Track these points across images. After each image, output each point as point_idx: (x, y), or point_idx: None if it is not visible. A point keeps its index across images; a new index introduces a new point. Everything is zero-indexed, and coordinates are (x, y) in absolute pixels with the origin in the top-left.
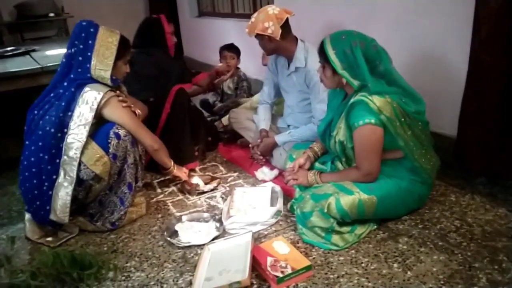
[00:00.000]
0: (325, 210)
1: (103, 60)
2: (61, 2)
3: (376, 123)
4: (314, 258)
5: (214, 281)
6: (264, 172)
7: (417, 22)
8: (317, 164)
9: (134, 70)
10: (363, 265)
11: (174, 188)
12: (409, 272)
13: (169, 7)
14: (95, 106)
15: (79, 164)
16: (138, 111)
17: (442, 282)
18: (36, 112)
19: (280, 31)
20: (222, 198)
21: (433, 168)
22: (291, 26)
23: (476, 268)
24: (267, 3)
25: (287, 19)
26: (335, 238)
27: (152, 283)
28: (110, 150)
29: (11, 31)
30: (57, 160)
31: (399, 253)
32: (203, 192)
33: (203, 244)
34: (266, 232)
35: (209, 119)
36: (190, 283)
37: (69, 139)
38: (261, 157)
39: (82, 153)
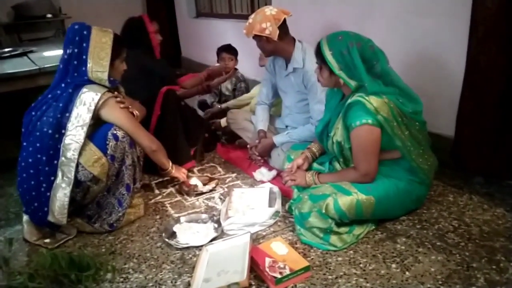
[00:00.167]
0: (323, 211)
1: (98, 61)
2: (58, 3)
3: (373, 123)
4: (312, 258)
5: (212, 282)
6: (262, 173)
7: (414, 22)
8: (315, 165)
9: None
10: (361, 265)
11: (172, 189)
12: (407, 273)
13: (167, 7)
14: (92, 107)
15: (77, 165)
16: (136, 112)
17: (440, 282)
18: (33, 113)
19: (278, 31)
20: (220, 199)
21: (431, 168)
22: (289, 27)
23: (474, 268)
24: (264, 4)
25: (284, 19)
26: (333, 238)
27: (150, 284)
28: (108, 152)
29: (8, 32)
30: (55, 162)
31: (397, 254)
32: (201, 193)
33: (202, 245)
34: (264, 233)
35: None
36: (189, 284)
37: (66, 140)
38: (259, 158)
39: (80, 154)
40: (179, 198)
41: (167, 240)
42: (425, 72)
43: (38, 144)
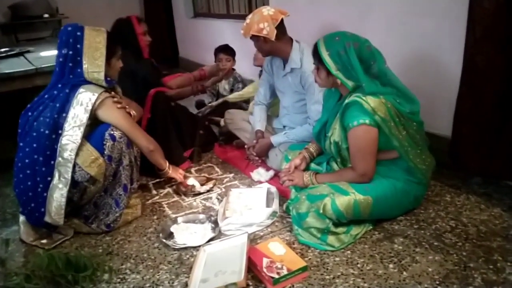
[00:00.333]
0: (321, 211)
1: (94, 62)
2: (55, 3)
3: (371, 123)
4: (310, 259)
5: (210, 282)
6: (260, 173)
7: (412, 23)
8: (312, 165)
9: None
10: (358, 265)
11: (169, 189)
12: (404, 273)
13: (164, 7)
14: (89, 108)
15: (74, 166)
16: (133, 112)
17: (437, 282)
18: (30, 114)
19: (275, 31)
20: (218, 199)
21: (428, 168)
22: (287, 27)
23: (471, 268)
24: (262, 4)
25: (282, 20)
26: (330, 238)
27: (147, 285)
28: (105, 152)
29: (5, 32)
30: (52, 162)
31: (395, 254)
32: (199, 194)
33: (199, 246)
34: (262, 233)
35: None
36: (186, 284)
37: (63, 140)
38: (257, 158)
39: (77, 154)
40: (176, 198)
41: (164, 240)
42: (423, 72)
43: (34, 145)
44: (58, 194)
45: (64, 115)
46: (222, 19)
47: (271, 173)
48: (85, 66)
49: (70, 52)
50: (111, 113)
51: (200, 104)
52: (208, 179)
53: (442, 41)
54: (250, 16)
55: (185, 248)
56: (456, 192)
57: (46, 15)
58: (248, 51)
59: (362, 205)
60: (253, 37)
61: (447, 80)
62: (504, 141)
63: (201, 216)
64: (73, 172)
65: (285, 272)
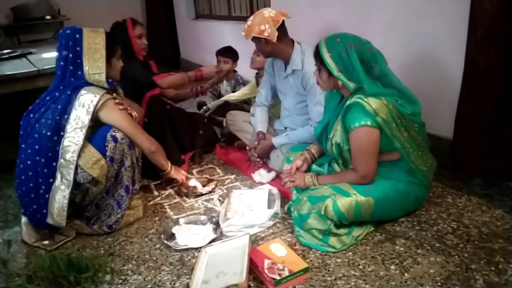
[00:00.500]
0: (322, 212)
1: (94, 63)
2: (57, 5)
3: (372, 125)
4: (311, 260)
5: (211, 284)
6: (261, 175)
7: (412, 24)
8: (314, 166)
9: None
10: (360, 267)
11: (171, 190)
12: (406, 274)
13: (166, 9)
14: (91, 109)
15: (76, 167)
16: (134, 113)
17: (439, 284)
18: (31, 115)
19: (277, 33)
20: (219, 200)
21: (430, 170)
22: (288, 29)
23: (473, 269)
24: (263, 6)
25: (283, 21)
26: (332, 240)
27: (149, 286)
28: (107, 153)
29: (7, 33)
30: (54, 164)
31: (396, 255)
32: (201, 195)
33: (200, 247)
34: (263, 235)
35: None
36: (187, 286)
37: (65, 142)
38: (258, 159)
39: (79, 156)
40: (178, 199)
41: (166, 241)
42: (424, 73)
43: (36, 146)
44: (60, 196)
45: (66, 117)
46: (223, 20)
47: (273, 174)
48: (85, 68)
49: (70, 55)
50: (112, 115)
51: (201, 105)
52: (210, 180)
53: (443, 42)
54: (251, 18)
55: (187, 249)
56: (457, 194)
57: (48, 17)
58: (249, 53)
59: (364, 206)
60: (255, 39)
61: (448, 82)
62: (505, 142)
63: (203, 217)
64: (75, 173)
65: (286, 273)
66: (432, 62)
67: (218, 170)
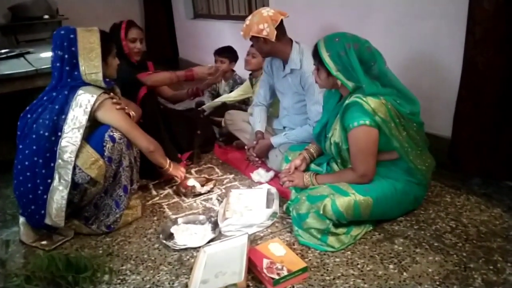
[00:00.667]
0: (321, 212)
1: (90, 63)
2: (55, 4)
3: (371, 124)
4: (310, 259)
5: (210, 283)
6: (260, 174)
7: (411, 24)
8: (312, 166)
9: None
10: (359, 266)
11: (169, 190)
12: (404, 273)
13: (164, 9)
14: (88, 109)
15: (74, 167)
16: (132, 113)
17: (437, 283)
18: (29, 116)
19: (276, 32)
20: (218, 200)
21: (428, 169)
22: (286, 28)
23: (472, 268)
24: (262, 5)
25: (281, 20)
26: (331, 239)
27: (147, 286)
28: (105, 153)
29: (5, 33)
30: (52, 164)
31: (395, 254)
32: (199, 194)
33: (199, 247)
34: (262, 234)
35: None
36: (186, 286)
37: (63, 142)
38: (257, 159)
39: (77, 156)
40: (176, 199)
41: (164, 241)
42: (423, 73)
43: (34, 147)
44: (59, 196)
45: (63, 117)
46: (222, 20)
47: (271, 174)
48: (82, 68)
49: (66, 56)
50: (110, 115)
51: (200, 105)
52: (208, 180)
53: (442, 42)
54: (249, 17)
55: (185, 249)
56: (456, 193)
57: (46, 16)
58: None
59: (362, 205)
60: (253, 38)
61: (447, 81)
62: (504, 141)
63: (201, 217)
64: (73, 174)
65: (285, 273)
66: (431, 62)
67: (217, 170)
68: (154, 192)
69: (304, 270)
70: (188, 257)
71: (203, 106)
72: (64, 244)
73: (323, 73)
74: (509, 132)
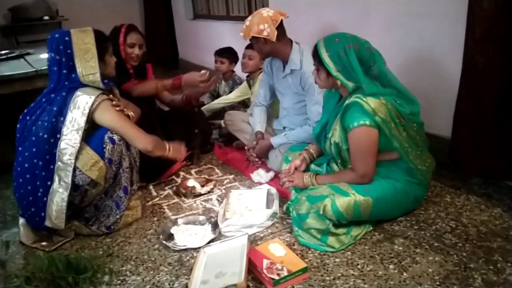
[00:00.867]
0: (321, 212)
1: (86, 64)
2: (55, 5)
3: (371, 124)
4: (310, 260)
5: (210, 284)
6: (260, 174)
7: (411, 24)
8: (312, 166)
9: None
10: (359, 266)
11: (169, 191)
12: (405, 273)
13: (164, 9)
14: (86, 111)
15: (74, 169)
16: (131, 114)
17: (437, 283)
18: (28, 118)
19: (276, 32)
20: (218, 200)
21: (429, 169)
22: (286, 28)
23: (472, 268)
24: (261, 6)
25: (281, 21)
26: (331, 239)
27: (148, 286)
28: (105, 155)
29: (5, 34)
30: (51, 166)
31: (395, 254)
32: (199, 195)
33: (199, 247)
34: (262, 235)
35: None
36: (186, 286)
37: (62, 144)
38: (257, 159)
39: (76, 158)
40: (176, 200)
41: (164, 242)
42: (422, 73)
43: (34, 149)
44: (59, 199)
45: (62, 118)
46: (221, 20)
47: (271, 174)
48: (79, 70)
49: (63, 59)
50: (106, 116)
51: (199, 106)
52: (208, 181)
53: (442, 42)
54: (249, 18)
55: (185, 250)
56: (456, 193)
57: (46, 17)
58: None
59: (362, 206)
60: (253, 39)
61: (447, 81)
62: (503, 141)
63: (201, 217)
64: (74, 175)
65: (285, 273)
66: (431, 62)
67: (217, 170)
68: (154, 193)
69: (304, 270)
70: (188, 257)
71: (202, 108)
72: (64, 245)
73: (323, 73)
74: (509, 132)
